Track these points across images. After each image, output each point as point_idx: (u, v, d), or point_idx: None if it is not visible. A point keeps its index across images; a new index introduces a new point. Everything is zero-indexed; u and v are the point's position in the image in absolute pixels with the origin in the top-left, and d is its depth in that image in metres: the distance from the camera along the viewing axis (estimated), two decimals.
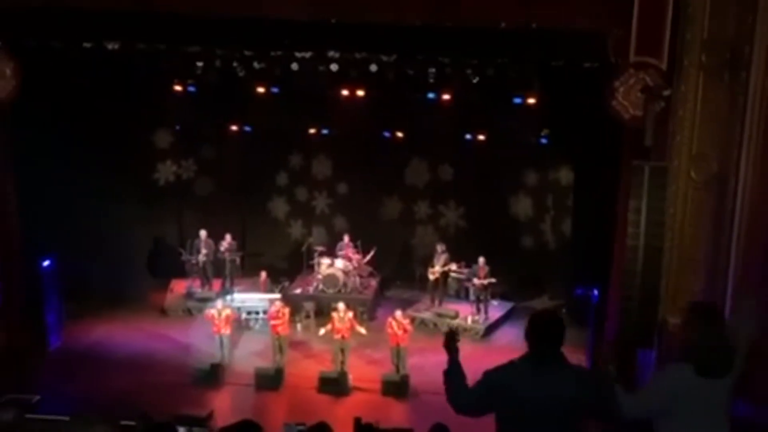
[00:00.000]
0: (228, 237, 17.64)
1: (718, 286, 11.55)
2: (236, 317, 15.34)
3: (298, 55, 13.57)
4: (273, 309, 14.87)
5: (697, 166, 11.62)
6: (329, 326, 14.47)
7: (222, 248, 17.51)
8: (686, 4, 11.43)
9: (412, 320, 15.49)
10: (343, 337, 14.29)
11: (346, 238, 18.11)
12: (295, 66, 13.68)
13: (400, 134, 18.30)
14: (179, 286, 17.87)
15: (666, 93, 11.75)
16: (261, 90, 15.65)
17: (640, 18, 11.90)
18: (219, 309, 14.89)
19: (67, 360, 14.74)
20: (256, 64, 13.87)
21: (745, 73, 11.13)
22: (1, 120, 13.84)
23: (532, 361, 4.96)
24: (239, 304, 16.29)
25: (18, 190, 14.29)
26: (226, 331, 14.72)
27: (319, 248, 18.10)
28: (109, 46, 13.38)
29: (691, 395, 5.06)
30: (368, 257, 17.93)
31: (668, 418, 5.13)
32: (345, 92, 15.47)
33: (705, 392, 5.05)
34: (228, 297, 16.44)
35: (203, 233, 17.51)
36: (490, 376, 5.09)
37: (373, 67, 13.59)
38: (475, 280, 16.57)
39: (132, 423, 7.70)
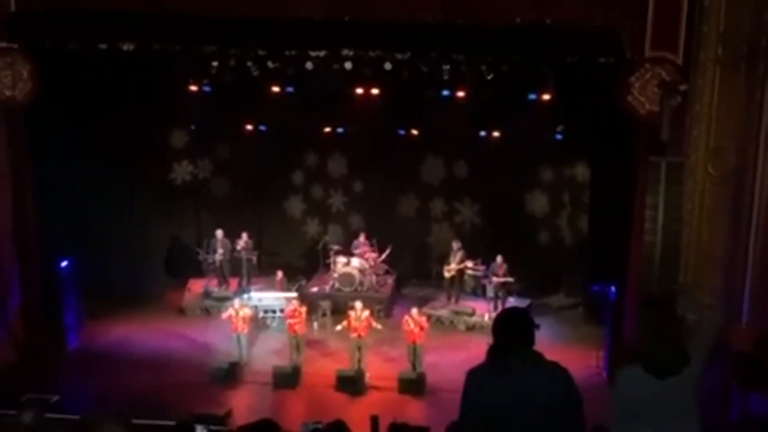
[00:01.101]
0: (244, 236, 17.69)
1: (736, 282, 11.49)
2: (254, 316, 15.37)
3: (312, 54, 13.57)
4: (290, 308, 14.90)
5: (715, 161, 11.57)
6: (345, 323, 14.49)
7: (238, 247, 17.56)
8: None
9: (429, 318, 15.47)
10: (359, 335, 14.30)
11: (362, 237, 18.12)
12: (309, 65, 13.68)
13: (415, 132, 18.27)
14: (196, 286, 17.94)
15: (682, 88, 11.71)
16: (276, 89, 15.64)
17: (655, 13, 11.86)
18: (236, 308, 14.94)
19: (86, 360, 14.84)
20: (270, 64, 13.88)
21: (762, 66, 11.07)
22: (19, 121, 13.97)
23: (490, 362, 4.58)
24: (256, 303, 16.33)
25: (36, 191, 14.41)
26: (244, 330, 14.77)
27: (335, 247, 18.12)
28: (125, 47, 13.46)
29: (646, 396, 4.82)
30: (384, 255, 17.93)
31: (629, 422, 4.91)
32: (359, 90, 15.44)
33: (660, 391, 4.82)
34: (245, 296, 16.49)
35: (219, 232, 17.57)
36: (465, 380, 4.72)
37: (388, 65, 13.56)
38: (494, 278, 16.52)
39: (150, 422, 7.74)
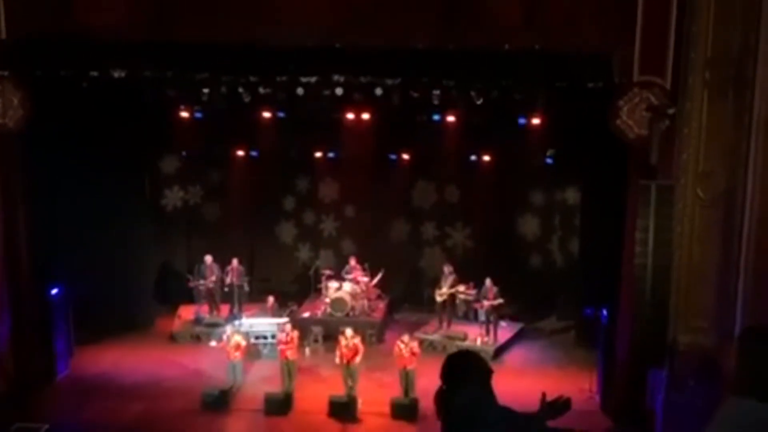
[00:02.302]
0: (235, 262, 17.64)
1: (728, 302, 11.50)
2: (246, 344, 15.28)
3: (303, 79, 13.63)
4: (282, 334, 14.83)
5: (704, 184, 11.63)
6: (338, 353, 14.42)
7: (229, 273, 17.50)
8: (690, 24, 11.48)
9: (421, 343, 15.43)
10: (348, 362, 14.22)
11: (353, 261, 18.10)
12: (300, 91, 13.73)
13: (406, 156, 18.35)
14: (187, 312, 17.86)
15: (671, 111, 11.80)
16: (267, 115, 15.74)
17: (643, 38, 11.98)
18: (228, 335, 14.88)
19: (76, 388, 14.71)
20: (261, 90, 13.93)
21: (749, 90, 11.16)
22: (11, 148, 13.94)
23: (440, 397, 4.67)
24: (247, 329, 16.25)
25: (27, 218, 14.36)
26: (237, 357, 14.70)
27: (327, 271, 18.09)
28: (116, 74, 13.47)
29: (758, 428, 4.74)
30: (376, 280, 17.91)
31: None
32: (350, 116, 15.54)
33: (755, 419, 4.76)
34: (236, 322, 16.42)
35: (208, 258, 17.52)
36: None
37: (378, 91, 13.63)
38: (485, 302, 16.51)
39: None
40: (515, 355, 16.42)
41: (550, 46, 12.18)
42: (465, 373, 4.61)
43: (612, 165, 13.71)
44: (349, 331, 14.48)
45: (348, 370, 14.21)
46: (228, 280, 17.52)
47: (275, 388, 14.42)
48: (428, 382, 14.46)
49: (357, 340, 14.42)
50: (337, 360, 14.27)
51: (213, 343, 15.73)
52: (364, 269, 17.91)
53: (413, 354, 14.22)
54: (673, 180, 11.85)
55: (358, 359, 14.25)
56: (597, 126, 13.05)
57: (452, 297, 17.30)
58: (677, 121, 11.82)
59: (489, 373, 4.63)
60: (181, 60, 13.35)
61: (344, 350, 14.27)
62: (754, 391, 4.67)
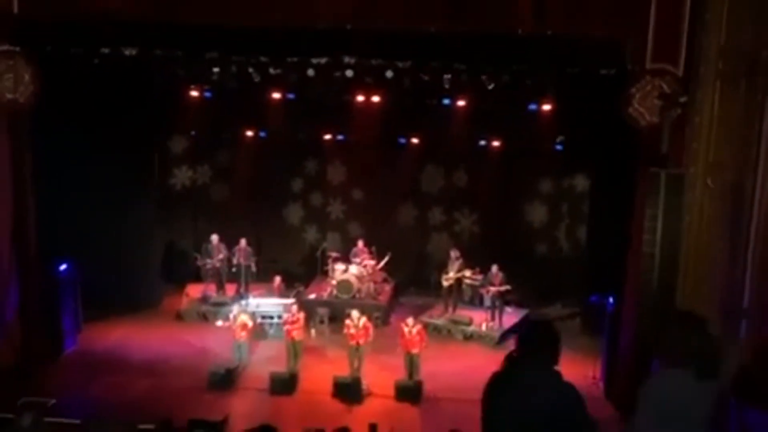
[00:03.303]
0: (243, 242, 17.68)
1: (734, 294, 11.49)
2: (253, 324, 15.34)
3: (314, 61, 13.61)
4: (288, 314, 14.90)
5: (714, 173, 11.59)
6: (347, 333, 14.47)
7: (237, 253, 17.55)
8: (703, 12, 11.41)
9: (426, 326, 15.46)
10: (357, 343, 14.29)
11: (361, 244, 18.13)
12: (310, 72, 13.72)
13: (415, 140, 18.32)
14: (194, 291, 17.94)
15: (682, 100, 11.74)
16: (277, 96, 15.71)
17: (656, 25, 11.91)
18: (235, 314, 14.96)
19: (83, 364, 14.80)
20: (271, 70, 13.93)
21: (762, 80, 11.10)
22: (21, 125, 13.97)
23: (509, 367, 4.71)
24: (254, 309, 16.32)
25: (36, 195, 14.41)
26: (243, 336, 14.78)
27: (334, 254, 18.12)
28: (127, 52, 13.48)
29: (689, 400, 4.89)
30: (382, 263, 17.94)
31: (665, 425, 4.95)
32: (360, 98, 15.50)
33: (700, 397, 4.90)
34: (243, 302, 16.49)
35: (215, 237, 17.57)
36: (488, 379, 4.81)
37: (389, 74, 13.60)
38: (491, 288, 16.53)
39: (149, 426, 7.74)
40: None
41: (563, 31, 12.11)
42: (541, 342, 4.67)
43: (622, 153, 13.67)
44: (355, 313, 14.54)
45: (356, 351, 14.28)
46: (236, 260, 17.57)
47: (281, 367, 14.50)
48: (433, 365, 14.61)
49: (364, 320, 14.47)
50: (352, 343, 14.31)
51: (219, 323, 15.82)
52: (371, 252, 17.95)
53: (418, 337, 14.26)
54: (683, 169, 11.82)
55: (369, 340, 14.32)
56: (608, 113, 13.00)
57: (458, 282, 17.34)
58: (689, 110, 11.77)
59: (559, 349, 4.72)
60: (192, 39, 13.33)
61: (353, 331, 14.33)
62: (694, 366, 4.77)
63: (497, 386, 4.68)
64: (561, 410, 4.54)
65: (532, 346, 4.65)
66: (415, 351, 14.20)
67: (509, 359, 4.68)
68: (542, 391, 4.55)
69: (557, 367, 4.71)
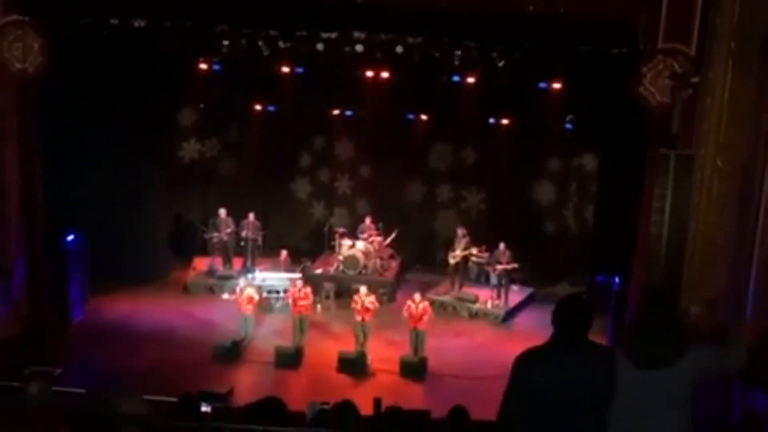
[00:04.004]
0: (251, 216, 17.71)
1: (740, 277, 11.46)
2: (259, 298, 15.41)
3: (323, 35, 13.54)
4: (295, 288, 14.94)
5: (724, 155, 11.51)
6: (354, 308, 14.54)
7: (245, 227, 17.58)
8: None
9: (431, 303, 15.50)
10: (363, 318, 14.34)
11: (368, 220, 18.13)
12: (320, 46, 13.65)
13: (424, 117, 18.26)
14: (201, 264, 18.00)
15: (694, 80, 11.65)
16: (286, 70, 15.66)
17: (669, 4, 11.80)
18: (241, 288, 15.02)
19: (90, 334, 14.91)
20: (281, 44, 13.86)
21: None
22: (30, 95, 13.97)
23: (554, 345, 4.76)
24: (260, 283, 16.38)
25: (44, 165, 14.44)
26: (249, 310, 14.84)
27: (341, 229, 18.14)
28: (136, 24, 13.43)
29: (631, 388, 4.77)
30: (389, 239, 17.95)
31: (616, 413, 4.85)
32: (370, 74, 15.44)
33: (647, 384, 4.76)
34: (249, 275, 16.53)
35: (222, 211, 17.60)
36: (517, 360, 4.83)
37: (399, 49, 13.54)
38: (498, 266, 16.53)
39: (152, 398, 7.75)
40: (525, 319, 16.48)
41: (575, 9, 12.01)
42: (583, 318, 4.73)
43: (631, 132, 13.61)
44: (363, 288, 14.58)
45: (361, 327, 14.33)
46: (244, 233, 17.60)
47: (286, 341, 14.57)
48: (438, 341, 14.66)
49: (369, 299, 14.51)
50: (357, 318, 14.36)
51: (226, 296, 15.88)
52: (377, 229, 17.95)
53: (424, 314, 14.30)
54: (692, 150, 11.74)
55: (370, 319, 14.37)
56: (618, 93, 12.92)
57: (465, 259, 17.35)
58: (700, 90, 11.68)
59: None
60: (202, 11, 13.28)
61: (358, 307, 14.38)
62: (628, 353, 4.73)
63: (541, 359, 4.75)
64: (605, 379, 4.68)
65: (575, 321, 4.72)
66: (420, 327, 14.24)
67: (557, 336, 4.74)
68: (590, 362, 4.70)
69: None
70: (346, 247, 17.58)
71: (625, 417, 4.68)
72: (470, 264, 17.66)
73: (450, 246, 17.45)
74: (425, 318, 14.29)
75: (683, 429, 4.77)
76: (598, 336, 14.47)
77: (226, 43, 14.01)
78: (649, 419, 4.69)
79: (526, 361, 4.81)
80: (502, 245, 16.58)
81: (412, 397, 12.92)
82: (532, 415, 4.71)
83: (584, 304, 4.98)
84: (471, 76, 15.08)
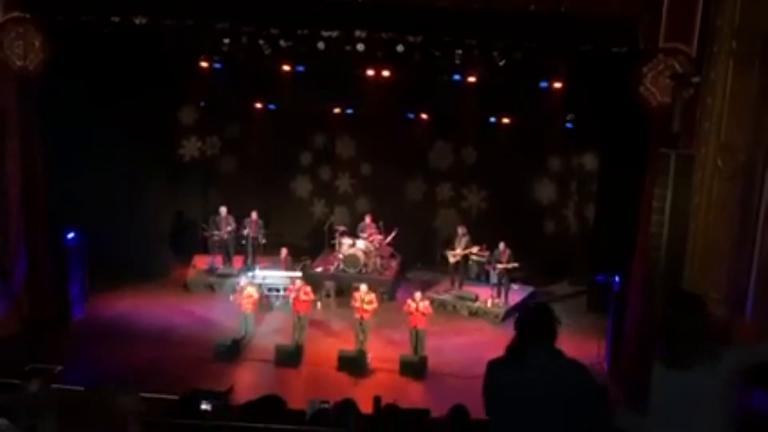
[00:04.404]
0: (254, 215, 17.70)
1: (741, 276, 11.46)
2: (259, 296, 15.41)
3: (324, 33, 13.54)
4: (296, 287, 14.93)
5: (725, 156, 11.51)
6: (353, 303, 14.55)
7: (247, 226, 17.58)
8: None
9: (432, 302, 15.51)
10: (362, 317, 14.35)
11: (368, 219, 18.13)
12: (321, 45, 13.65)
13: (424, 116, 18.27)
14: (201, 262, 18.00)
15: (695, 80, 11.64)
16: (287, 68, 15.66)
17: (670, 3, 11.80)
18: (243, 286, 15.02)
19: (90, 332, 14.90)
20: (282, 42, 13.86)
21: None
22: (30, 92, 13.97)
23: (513, 353, 4.70)
24: (260, 281, 16.39)
25: (45, 163, 14.44)
26: (249, 308, 14.85)
27: (341, 228, 18.14)
28: (137, 21, 13.43)
29: (664, 389, 4.74)
30: (390, 238, 17.95)
31: (658, 415, 4.82)
32: (370, 72, 15.44)
33: (680, 386, 4.73)
34: (250, 274, 16.54)
35: (223, 209, 17.60)
36: (486, 367, 4.79)
37: (400, 48, 13.53)
38: (498, 265, 16.54)
39: (153, 396, 7.78)
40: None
41: (576, 8, 12.01)
42: (544, 326, 4.69)
43: (632, 132, 13.60)
44: (363, 286, 14.59)
45: (361, 325, 14.34)
46: (246, 232, 17.59)
47: (286, 340, 14.58)
48: (438, 340, 14.67)
49: (371, 297, 14.52)
50: (357, 315, 14.38)
51: (231, 298, 15.82)
52: (378, 227, 17.95)
53: (424, 313, 14.30)
54: (693, 149, 11.74)
55: (369, 318, 14.38)
56: (619, 92, 12.92)
57: (465, 258, 17.35)
58: (701, 90, 11.67)
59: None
60: (203, 9, 13.28)
61: (358, 305, 14.38)
62: (673, 359, 4.68)
63: (504, 375, 4.68)
64: (574, 387, 4.60)
65: (534, 331, 4.66)
66: (420, 326, 14.25)
67: (512, 347, 4.68)
68: (555, 371, 4.60)
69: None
70: (346, 245, 17.58)
71: (668, 419, 4.67)
72: (470, 263, 17.66)
73: (450, 245, 17.45)
74: (426, 317, 14.30)
75: (726, 430, 4.75)
76: (597, 336, 14.56)
77: (227, 41, 14.00)
78: (692, 421, 4.67)
79: (491, 371, 4.75)
80: (502, 244, 16.58)
81: (412, 395, 12.93)
82: (502, 420, 4.70)
83: (542, 314, 4.84)
84: (472, 75, 15.08)
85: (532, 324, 4.70)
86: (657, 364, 4.76)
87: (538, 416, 4.56)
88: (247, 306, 14.84)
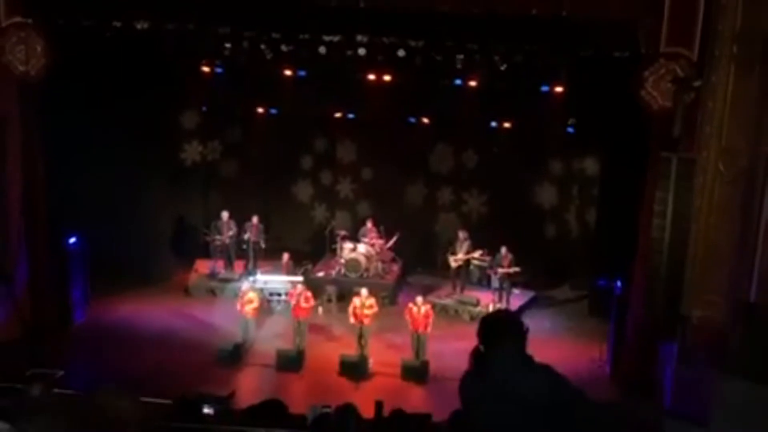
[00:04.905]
0: (255, 219, 17.69)
1: (742, 280, 11.46)
2: (260, 301, 15.39)
3: (326, 38, 13.56)
4: (297, 292, 14.91)
5: (726, 159, 11.51)
6: (350, 311, 14.52)
7: (248, 230, 17.57)
8: None
9: (433, 306, 15.50)
10: (363, 322, 14.33)
11: (369, 223, 18.12)
12: (322, 49, 13.67)
13: (425, 120, 18.26)
14: (203, 266, 17.99)
15: (696, 84, 11.64)
16: (288, 73, 15.67)
17: (672, 8, 11.81)
18: (244, 290, 15.01)
19: (92, 336, 14.90)
20: (284, 47, 13.89)
21: None
22: (32, 97, 13.98)
23: (472, 366, 4.53)
24: (262, 286, 16.38)
25: (46, 167, 14.45)
26: (250, 313, 14.83)
27: (342, 232, 18.13)
28: (139, 26, 13.45)
29: (748, 405, 4.73)
30: (391, 242, 17.94)
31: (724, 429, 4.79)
32: (372, 77, 15.45)
33: (760, 397, 4.73)
34: (251, 278, 16.53)
35: (225, 214, 17.60)
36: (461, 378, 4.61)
37: (401, 52, 13.55)
38: (500, 269, 16.52)
39: (154, 400, 7.77)
40: (526, 323, 16.41)
41: (577, 12, 12.01)
42: (502, 333, 4.49)
43: (633, 136, 13.60)
44: (364, 291, 14.57)
45: (361, 330, 14.32)
46: (247, 236, 17.59)
47: (288, 344, 14.56)
48: (439, 345, 14.65)
49: (372, 301, 14.50)
50: (351, 320, 14.36)
51: (238, 306, 15.76)
52: (379, 232, 17.94)
53: (426, 317, 14.28)
54: (694, 153, 11.74)
55: (368, 324, 14.36)
56: (620, 96, 12.92)
57: (466, 262, 17.34)
58: (702, 94, 11.68)
59: (525, 333, 4.52)
60: (205, 14, 13.29)
61: (360, 310, 14.36)
62: (753, 371, 4.64)
63: (475, 386, 4.52)
64: (547, 392, 4.37)
65: (498, 338, 4.47)
66: (422, 330, 14.23)
67: (477, 356, 4.50)
68: (525, 378, 4.39)
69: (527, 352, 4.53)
70: (347, 250, 17.57)
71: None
72: (472, 267, 17.64)
73: (451, 249, 17.44)
74: (429, 321, 14.27)
75: None
76: (599, 340, 14.53)
77: (228, 46, 14.04)
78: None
79: (463, 387, 4.60)
80: (503, 248, 16.57)
81: (414, 400, 12.92)
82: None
83: (503, 321, 4.73)
84: (473, 79, 15.10)
85: (488, 332, 4.50)
86: (726, 377, 4.71)
87: (514, 427, 4.37)
88: (247, 311, 14.82)
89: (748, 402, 4.68)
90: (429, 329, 14.33)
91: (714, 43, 11.46)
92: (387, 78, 15.30)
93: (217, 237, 17.55)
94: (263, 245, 17.79)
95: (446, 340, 15.04)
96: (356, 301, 14.57)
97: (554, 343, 14.69)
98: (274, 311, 16.34)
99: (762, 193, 11.28)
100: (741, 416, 4.70)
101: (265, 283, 16.59)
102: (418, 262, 19.08)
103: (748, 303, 8.43)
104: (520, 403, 4.32)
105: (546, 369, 4.43)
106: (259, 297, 15.26)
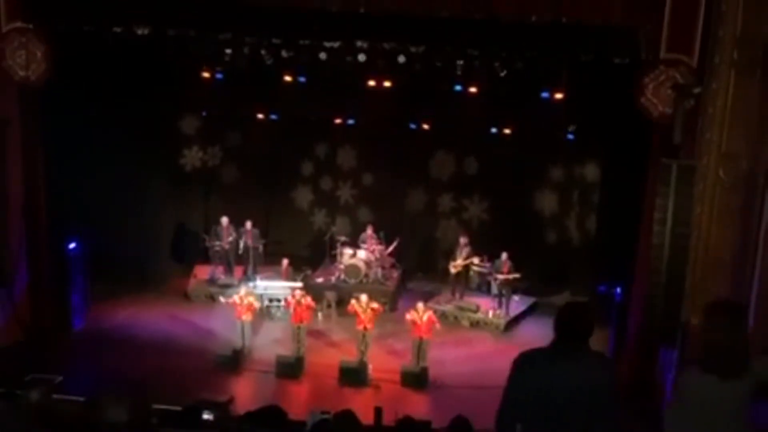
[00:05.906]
0: (248, 224, 17.66)
1: (743, 288, 11.43)
2: (259, 306, 15.38)
3: (326, 44, 13.58)
4: (296, 298, 14.89)
5: (726, 166, 11.49)
6: (349, 307, 14.53)
7: (243, 235, 17.56)
8: (719, 1, 11.30)
9: (433, 312, 15.47)
10: (365, 327, 14.31)
11: (370, 229, 18.10)
12: (323, 55, 13.69)
13: (426, 126, 18.26)
14: (202, 272, 17.98)
15: (696, 90, 11.64)
16: (288, 78, 15.69)
17: (672, 14, 11.82)
18: (242, 295, 14.99)
19: (91, 341, 14.88)
20: (284, 53, 13.91)
21: None
22: (32, 102, 14.00)
23: (553, 350, 4.79)
24: (261, 291, 16.36)
25: (46, 172, 14.45)
26: (248, 317, 14.81)
27: (342, 238, 18.12)
28: (139, 31, 13.47)
29: (713, 399, 4.81)
30: (391, 248, 17.93)
31: (690, 425, 4.87)
32: (372, 83, 15.46)
33: (726, 395, 4.81)
34: (250, 284, 16.51)
35: (225, 220, 17.59)
36: (515, 362, 4.84)
37: (401, 58, 13.56)
38: (499, 275, 16.51)
39: (155, 406, 7.74)
40: (526, 329, 16.44)
41: (577, 18, 12.03)
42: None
43: (633, 143, 13.61)
44: (363, 296, 14.56)
45: (362, 335, 14.30)
46: (243, 242, 17.58)
47: (287, 350, 14.54)
48: (439, 351, 14.62)
49: (374, 305, 14.48)
50: (359, 327, 14.33)
51: (222, 299, 15.80)
52: (379, 238, 17.93)
53: (429, 323, 14.24)
54: (695, 160, 11.74)
55: (370, 326, 14.34)
56: (620, 102, 12.93)
57: (466, 269, 17.31)
58: (702, 101, 11.68)
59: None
60: (205, 19, 13.31)
61: (360, 315, 14.34)
62: (716, 367, 4.70)
63: (537, 363, 4.77)
64: (608, 383, 4.75)
65: (574, 327, 4.76)
66: (424, 337, 14.20)
67: (554, 343, 4.78)
68: (594, 369, 4.73)
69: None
70: (347, 256, 17.56)
71: (695, 427, 4.71)
72: (471, 273, 17.61)
73: (451, 255, 17.42)
74: (432, 327, 14.24)
75: None
76: (599, 347, 14.47)
77: (228, 51, 14.05)
78: (716, 427, 4.72)
79: (524, 362, 4.82)
80: (503, 255, 16.56)
81: (414, 406, 12.89)
82: (529, 417, 4.73)
83: (587, 311, 4.96)
84: (473, 85, 15.09)
85: (573, 323, 4.77)
86: (692, 368, 4.80)
87: (564, 415, 4.63)
88: (246, 316, 14.78)
89: (709, 394, 4.75)
90: (431, 335, 14.30)
91: (714, 49, 11.45)
92: (387, 84, 15.31)
93: (217, 242, 17.54)
94: (261, 250, 17.77)
95: (446, 346, 15.03)
96: (354, 303, 14.51)
97: None
98: (274, 317, 16.31)
99: (762, 199, 11.25)
100: (701, 407, 4.76)
101: (265, 288, 16.56)
102: (419, 267, 19.07)
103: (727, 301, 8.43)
104: (582, 388, 4.70)
105: (611, 363, 5.08)
106: (257, 301, 15.23)
